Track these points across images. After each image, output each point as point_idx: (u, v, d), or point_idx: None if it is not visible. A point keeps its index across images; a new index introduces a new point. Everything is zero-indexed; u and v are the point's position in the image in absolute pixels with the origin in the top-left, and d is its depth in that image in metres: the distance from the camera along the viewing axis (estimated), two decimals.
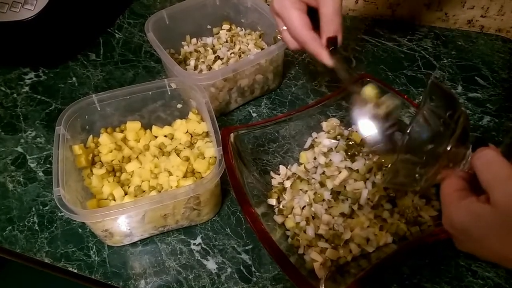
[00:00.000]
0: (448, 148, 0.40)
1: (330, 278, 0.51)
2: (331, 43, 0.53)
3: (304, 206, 0.58)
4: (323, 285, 0.49)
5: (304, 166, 0.63)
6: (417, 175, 0.42)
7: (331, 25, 0.52)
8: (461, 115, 0.40)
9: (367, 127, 0.47)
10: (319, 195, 0.57)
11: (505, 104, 0.74)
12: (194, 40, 0.84)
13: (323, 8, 0.52)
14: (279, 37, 0.59)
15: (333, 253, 0.53)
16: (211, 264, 0.57)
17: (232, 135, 0.57)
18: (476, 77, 0.79)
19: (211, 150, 0.62)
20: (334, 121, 0.66)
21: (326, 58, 0.53)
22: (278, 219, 0.58)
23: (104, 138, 0.64)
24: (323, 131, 0.65)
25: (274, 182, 0.62)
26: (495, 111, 0.73)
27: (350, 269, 0.52)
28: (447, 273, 0.55)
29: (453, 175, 0.41)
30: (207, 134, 0.66)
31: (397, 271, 0.56)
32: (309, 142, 0.66)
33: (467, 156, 0.40)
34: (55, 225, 0.62)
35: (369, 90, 0.50)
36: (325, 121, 0.66)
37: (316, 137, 0.65)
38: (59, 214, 0.63)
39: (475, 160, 0.38)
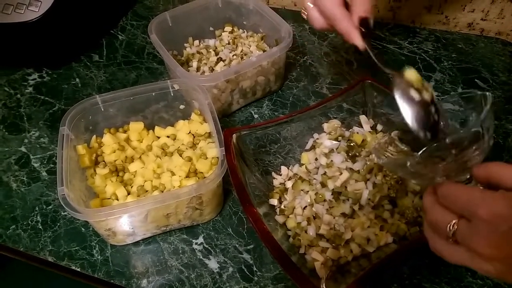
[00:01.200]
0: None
1: (331, 278, 0.51)
2: (363, 24, 0.49)
3: (305, 206, 0.59)
4: (324, 285, 0.49)
5: (306, 167, 0.63)
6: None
7: (363, 4, 0.49)
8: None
9: (415, 112, 0.43)
10: (320, 196, 0.58)
11: (504, 106, 0.75)
12: (196, 42, 0.84)
13: None
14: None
15: (334, 252, 0.53)
16: (213, 264, 0.58)
17: (234, 135, 0.58)
18: (476, 80, 0.80)
19: (213, 150, 0.63)
20: (335, 123, 0.66)
21: (357, 38, 0.50)
22: (280, 219, 0.58)
23: (107, 138, 0.64)
24: (324, 132, 0.66)
25: (276, 182, 0.63)
26: (495, 113, 0.73)
27: (350, 269, 0.53)
28: (446, 274, 0.55)
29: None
30: (209, 135, 0.66)
31: (397, 271, 0.56)
32: (310, 143, 0.66)
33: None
34: (58, 224, 0.63)
35: (412, 73, 0.45)
36: (326, 122, 0.66)
37: (317, 138, 0.66)
38: (63, 213, 0.64)
39: (500, 166, 0.35)
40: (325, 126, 0.66)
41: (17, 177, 0.68)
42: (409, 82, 0.45)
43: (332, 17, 0.50)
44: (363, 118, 0.67)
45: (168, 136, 0.68)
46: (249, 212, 0.51)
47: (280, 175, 0.63)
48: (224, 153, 0.55)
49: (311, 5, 0.52)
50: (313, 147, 0.65)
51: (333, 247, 0.54)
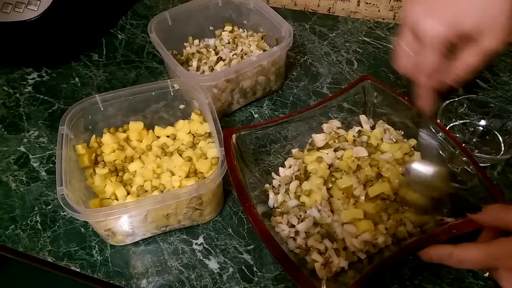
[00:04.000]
0: None
1: (331, 278, 0.51)
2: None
3: None
4: (324, 285, 0.49)
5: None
6: None
7: (458, 75, 0.46)
8: None
9: None
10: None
11: (506, 106, 0.74)
12: (196, 41, 0.84)
13: (464, 58, 0.45)
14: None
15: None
16: (213, 264, 0.58)
17: (234, 135, 0.58)
18: (477, 80, 0.79)
19: (213, 150, 0.62)
20: (335, 123, 0.66)
21: (427, 107, 0.49)
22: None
23: (107, 138, 0.64)
24: (324, 132, 0.66)
25: (275, 183, 0.62)
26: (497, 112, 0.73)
27: (351, 270, 0.52)
28: (448, 274, 0.55)
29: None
30: (209, 135, 0.66)
31: (398, 272, 0.56)
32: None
33: None
34: (57, 224, 0.62)
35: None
36: (326, 122, 0.66)
37: (311, 140, 0.66)
38: (62, 213, 0.63)
39: (505, 211, 0.41)
40: (325, 126, 0.66)
41: (16, 177, 0.68)
42: None
43: (420, 70, 0.46)
44: (363, 117, 0.66)
45: (168, 136, 0.67)
46: (249, 212, 0.51)
47: (279, 176, 0.63)
48: (224, 153, 0.55)
49: (405, 47, 0.47)
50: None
51: (334, 250, 0.53)
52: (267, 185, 0.61)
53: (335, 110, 0.66)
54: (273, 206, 0.59)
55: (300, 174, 0.60)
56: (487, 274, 0.45)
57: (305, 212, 0.56)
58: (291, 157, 0.65)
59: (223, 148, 0.55)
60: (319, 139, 0.64)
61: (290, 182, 0.60)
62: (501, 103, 0.68)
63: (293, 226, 0.55)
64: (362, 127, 0.66)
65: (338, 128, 0.66)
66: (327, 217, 0.56)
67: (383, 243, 0.53)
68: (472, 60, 0.45)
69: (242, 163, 0.58)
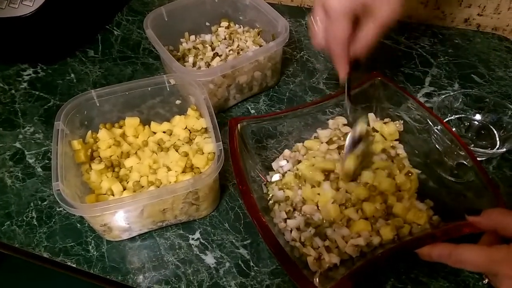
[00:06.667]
0: None
1: (324, 273, 0.51)
2: (355, 63, 0.55)
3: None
4: (317, 279, 0.49)
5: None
6: None
7: (362, 46, 0.52)
8: None
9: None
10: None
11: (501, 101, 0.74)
12: (192, 37, 0.84)
13: (364, 29, 0.51)
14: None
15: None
16: (209, 259, 0.58)
17: (239, 125, 0.58)
18: (472, 75, 0.80)
19: (209, 145, 0.62)
20: (341, 120, 0.66)
21: (342, 74, 0.55)
22: None
23: (103, 134, 0.64)
24: (330, 128, 0.66)
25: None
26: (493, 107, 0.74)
27: (344, 266, 0.52)
28: (443, 268, 0.55)
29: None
30: (205, 130, 0.66)
31: (394, 266, 0.56)
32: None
33: None
34: (53, 220, 0.62)
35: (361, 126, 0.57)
36: (332, 118, 0.66)
37: (315, 135, 0.66)
38: (58, 209, 0.63)
39: (503, 215, 0.42)
40: (330, 122, 0.66)
41: (12, 173, 0.68)
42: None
43: (333, 52, 0.53)
44: (371, 116, 0.66)
45: (164, 132, 0.67)
46: (248, 204, 0.51)
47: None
48: (229, 142, 0.55)
49: (319, 25, 0.53)
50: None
51: (326, 248, 0.53)
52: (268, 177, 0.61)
53: (332, 106, 0.66)
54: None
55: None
56: (486, 281, 0.45)
57: (293, 210, 0.57)
58: (289, 150, 0.65)
59: (219, 143, 0.55)
60: (323, 135, 0.64)
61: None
62: (496, 98, 0.69)
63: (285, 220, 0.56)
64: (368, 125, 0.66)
65: (344, 125, 0.66)
66: (315, 218, 0.56)
67: (377, 243, 0.53)
68: (372, 31, 0.50)
69: (246, 154, 0.58)
